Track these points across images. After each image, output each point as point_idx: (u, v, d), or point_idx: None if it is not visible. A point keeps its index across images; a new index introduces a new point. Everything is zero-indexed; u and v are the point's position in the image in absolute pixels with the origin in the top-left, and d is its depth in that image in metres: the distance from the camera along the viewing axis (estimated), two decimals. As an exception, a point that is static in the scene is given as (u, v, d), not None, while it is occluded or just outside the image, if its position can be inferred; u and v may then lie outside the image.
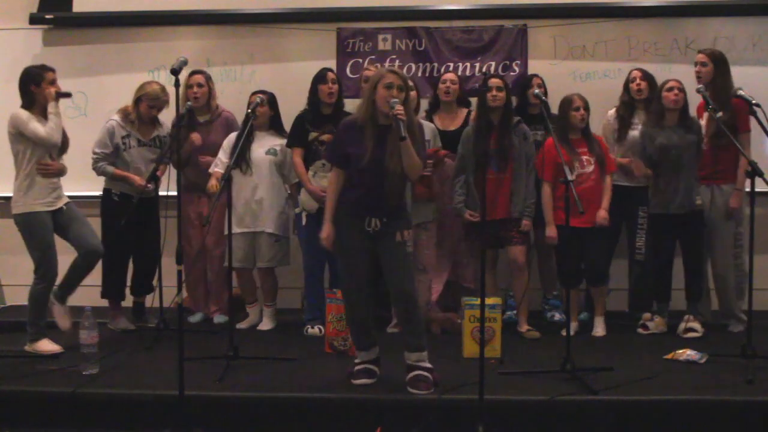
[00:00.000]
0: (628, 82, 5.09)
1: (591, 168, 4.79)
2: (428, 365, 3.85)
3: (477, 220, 4.72)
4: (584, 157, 4.81)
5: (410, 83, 3.99)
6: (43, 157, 4.49)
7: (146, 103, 4.95)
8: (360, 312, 3.92)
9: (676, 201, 4.79)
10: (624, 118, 5.07)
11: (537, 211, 4.90)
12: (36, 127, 4.40)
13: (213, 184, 4.93)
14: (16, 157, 4.51)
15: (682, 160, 4.77)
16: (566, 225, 4.12)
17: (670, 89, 4.76)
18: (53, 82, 4.48)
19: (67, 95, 4.58)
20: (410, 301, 3.83)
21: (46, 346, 4.52)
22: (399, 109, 3.61)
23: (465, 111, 5.22)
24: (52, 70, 4.52)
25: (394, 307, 4.04)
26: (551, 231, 4.84)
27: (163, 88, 4.99)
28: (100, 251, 4.65)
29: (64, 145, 4.61)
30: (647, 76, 5.06)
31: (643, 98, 5.02)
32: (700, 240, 4.88)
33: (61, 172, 4.58)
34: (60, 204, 4.57)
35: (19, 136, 4.45)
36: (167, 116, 5.10)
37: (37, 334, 4.53)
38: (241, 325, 5.15)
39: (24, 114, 4.43)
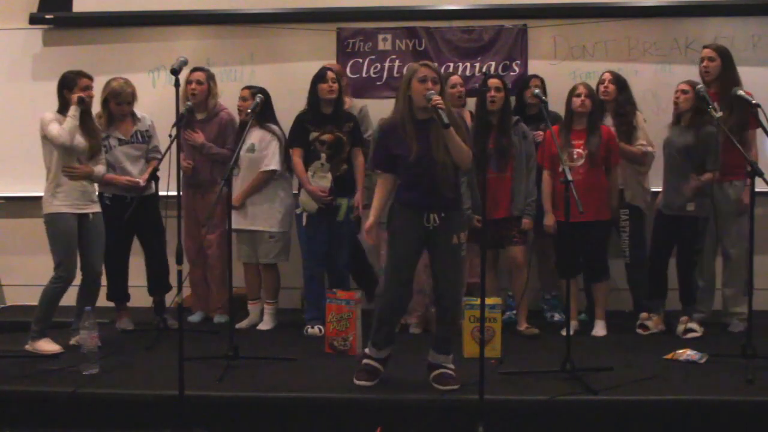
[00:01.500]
0: (598, 83, 5.10)
1: (581, 162, 4.78)
2: (452, 366, 3.87)
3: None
4: (576, 150, 4.80)
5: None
6: (70, 161, 4.53)
7: (113, 101, 4.95)
8: (396, 311, 3.92)
9: (666, 200, 4.87)
10: None
11: (537, 210, 4.91)
12: (53, 127, 4.45)
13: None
14: (44, 158, 4.56)
15: (674, 159, 4.81)
16: (566, 221, 4.12)
17: (677, 90, 4.80)
18: (86, 89, 4.55)
19: (80, 101, 4.59)
20: (454, 305, 3.86)
21: (46, 345, 4.52)
22: (437, 99, 3.58)
23: (466, 111, 5.21)
24: (88, 77, 4.59)
25: (437, 307, 4.02)
26: (549, 219, 4.84)
27: (126, 81, 5.00)
28: (98, 273, 4.71)
29: (93, 150, 4.61)
30: (617, 80, 5.06)
31: (609, 100, 5.04)
32: (689, 245, 4.86)
33: (89, 175, 4.59)
34: (88, 210, 4.60)
35: (45, 137, 4.51)
36: (167, 117, 5.09)
37: (39, 333, 4.54)
38: (241, 325, 5.16)
39: (49, 115, 4.50)
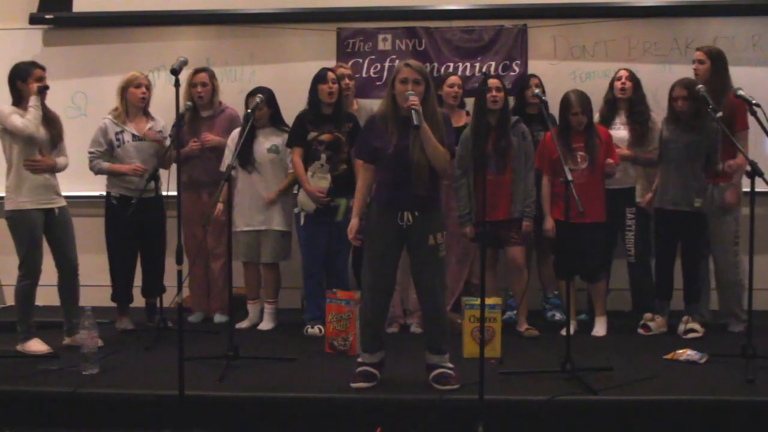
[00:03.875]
0: (613, 80, 5.12)
1: (585, 165, 4.79)
2: (450, 365, 3.88)
3: (472, 238, 4.77)
4: (579, 153, 4.81)
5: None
6: (32, 153, 4.49)
7: (131, 87, 5.00)
8: (378, 313, 3.92)
9: (668, 196, 4.84)
10: (606, 118, 5.10)
11: (536, 209, 4.91)
12: (15, 119, 4.42)
13: (219, 209, 4.92)
14: (4, 153, 4.54)
15: (680, 156, 4.80)
16: (566, 221, 4.12)
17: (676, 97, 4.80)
18: (40, 79, 4.50)
19: (45, 88, 4.54)
20: (437, 305, 3.85)
21: (35, 346, 4.52)
22: (412, 99, 3.64)
23: (464, 112, 5.21)
24: (41, 68, 4.55)
25: (421, 309, 4.06)
26: (549, 223, 4.85)
27: (141, 73, 5.09)
28: (75, 266, 4.67)
29: (54, 140, 4.57)
30: (633, 77, 5.08)
31: (626, 97, 5.05)
32: (696, 242, 4.87)
33: (53, 168, 4.57)
34: (54, 205, 4.58)
35: (3, 131, 4.48)
36: (167, 117, 5.10)
37: (27, 333, 4.54)
38: (241, 325, 5.16)
39: (7, 108, 4.47)
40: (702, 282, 5.00)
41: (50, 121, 4.57)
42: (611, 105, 5.12)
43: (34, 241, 4.49)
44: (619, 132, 5.05)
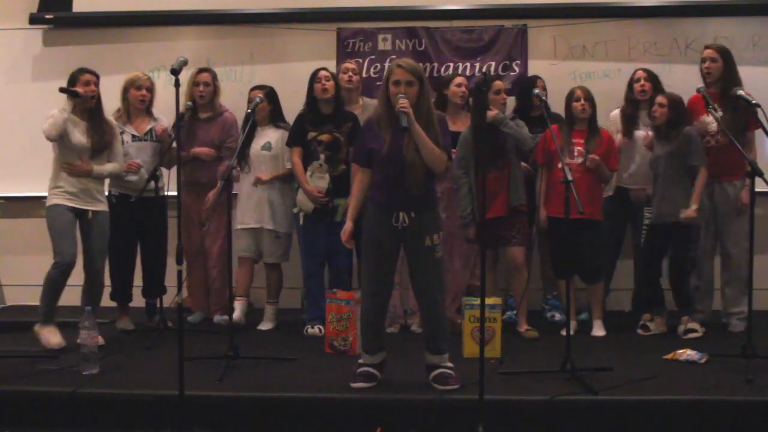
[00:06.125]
0: (632, 81, 5.08)
1: (580, 160, 4.79)
2: (450, 365, 3.88)
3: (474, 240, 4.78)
4: (577, 148, 4.81)
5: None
6: (71, 157, 4.54)
7: (132, 88, 5.01)
8: (377, 314, 3.91)
9: (659, 210, 4.81)
10: (632, 117, 5.06)
11: (534, 207, 4.93)
12: (45, 122, 4.47)
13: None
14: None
15: (664, 168, 4.78)
16: (565, 219, 4.11)
17: (655, 103, 4.79)
18: (87, 84, 4.56)
19: (68, 92, 4.57)
20: (435, 306, 3.84)
21: (49, 336, 4.54)
22: (402, 102, 3.64)
23: (467, 113, 5.20)
24: (91, 73, 4.61)
25: (420, 310, 4.06)
26: (542, 215, 4.88)
27: (144, 74, 5.11)
28: (97, 272, 4.70)
29: (94, 148, 4.59)
30: (651, 77, 5.04)
31: (646, 99, 5.01)
32: (682, 252, 4.82)
33: (87, 173, 4.58)
34: (88, 207, 4.60)
35: None
36: (166, 117, 5.11)
37: (43, 317, 4.56)
38: (222, 319, 5.19)
39: (53, 111, 4.51)
40: (694, 284, 4.98)
41: (97, 129, 4.60)
42: (635, 105, 5.05)
43: (61, 233, 4.51)
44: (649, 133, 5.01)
